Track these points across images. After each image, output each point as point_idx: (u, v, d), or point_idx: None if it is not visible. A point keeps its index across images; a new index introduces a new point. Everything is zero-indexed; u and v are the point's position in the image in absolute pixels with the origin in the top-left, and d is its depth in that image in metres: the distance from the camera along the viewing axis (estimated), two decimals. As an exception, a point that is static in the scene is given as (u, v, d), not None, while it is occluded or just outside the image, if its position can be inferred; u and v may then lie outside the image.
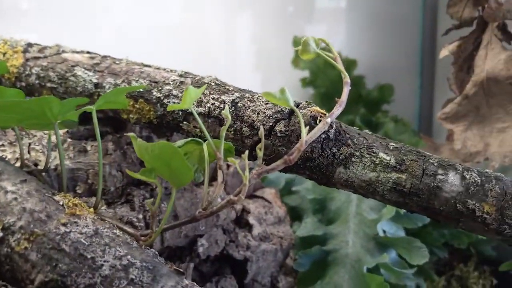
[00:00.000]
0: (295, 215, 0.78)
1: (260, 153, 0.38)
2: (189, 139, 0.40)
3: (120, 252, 0.33)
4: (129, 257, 0.33)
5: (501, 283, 0.88)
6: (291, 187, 0.82)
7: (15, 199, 0.35)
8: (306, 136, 0.38)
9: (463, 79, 0.66)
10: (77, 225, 0.34)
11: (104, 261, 0.33)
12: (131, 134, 0.35)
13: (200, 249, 0.54)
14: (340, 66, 0.43)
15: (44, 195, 0.36)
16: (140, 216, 0.52)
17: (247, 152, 0.37)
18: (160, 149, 0.34)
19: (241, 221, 0.62)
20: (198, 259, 0.55)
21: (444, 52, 0.65)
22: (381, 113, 1.04)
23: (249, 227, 0.61)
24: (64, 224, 0.34)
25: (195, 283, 0.35)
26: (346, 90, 0.41)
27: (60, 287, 0.32)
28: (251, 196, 0.67)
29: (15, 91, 0.42)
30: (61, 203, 0.36)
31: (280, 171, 0.46)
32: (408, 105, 1.14)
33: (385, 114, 1.05)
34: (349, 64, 1.03)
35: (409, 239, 0.60)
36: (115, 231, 0.36)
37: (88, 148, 0.53)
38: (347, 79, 0.42)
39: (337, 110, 0.39)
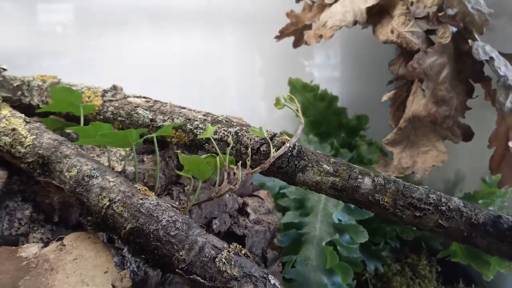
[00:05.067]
0: (285, 212, 1.06)
1: (248, 163, 0.66)
2: (209, 154, 0.70)
3: (171, 214, 0.62)
4: (176, 216, 0.62)
5: (444, 269, 1.14)
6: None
7: (115, 185, 0.65)
8: (274, 154, 0.66)
9: (399, 116, 0.94)
10: (148, 199, 0.64)
11: (163, 218, 0.62)
12: (178, 151, 0.64)
13: (214, 226, 0.83)
14: (299, 113, 0.72)
15: (129, 184, 0.66)
16: (177, 203, 0.81)
17: (240, 162, 0.66)
18: (194, 159, 0.63)
19: (243, 211, 0.91)
20: (213, 233, 0.84)
21: (385, 97, 0.93)
22: (358, 138, 1.32)
23: (247, 214, 0.89)
24: (141, 199, 0.63)
25: (211, 234, 0.64)
26: (300, 127, 0.70)
27: (140, 230, 0.61)
28: (250, 195, 0.96)
29: (107, 125, 0.72)
30: (138, 188, 0.65)
31: (265, 175, 0.74)
32: (383, 131, 1.42)
33: (363, 138, 1.33)
34: (333, 99, 1.31)
35: (355, 225, 0.87)
36: (167, 204, 0.65)
37: (145, 159, 0.82)
38: (302, 120, 0.71)
39: (294, 139, 0.68)
